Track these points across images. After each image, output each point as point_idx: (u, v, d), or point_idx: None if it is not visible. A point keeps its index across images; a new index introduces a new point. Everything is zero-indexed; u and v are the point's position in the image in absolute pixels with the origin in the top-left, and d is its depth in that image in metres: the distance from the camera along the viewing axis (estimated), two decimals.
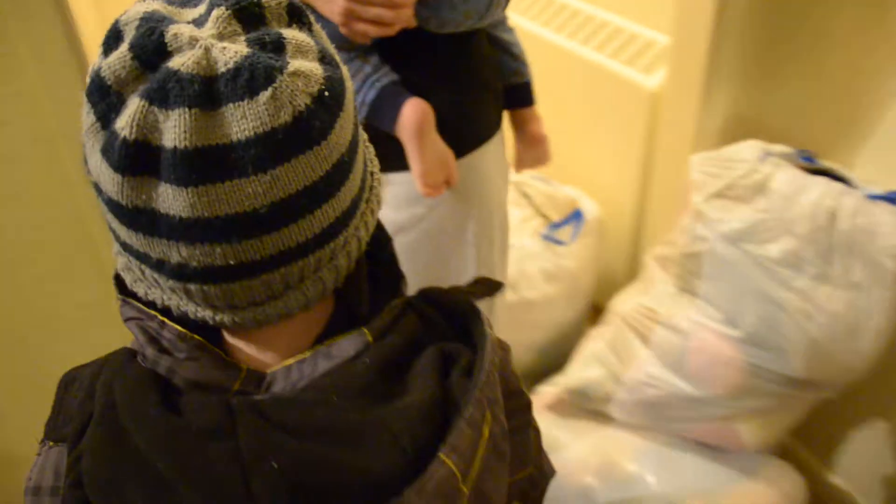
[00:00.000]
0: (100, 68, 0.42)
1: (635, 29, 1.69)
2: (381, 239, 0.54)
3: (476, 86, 1.08)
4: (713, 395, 1.27)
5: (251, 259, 0.43)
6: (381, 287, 0.53)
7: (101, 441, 0.46)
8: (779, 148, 1.30)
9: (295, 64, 0.42)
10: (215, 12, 0.42)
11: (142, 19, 0.42)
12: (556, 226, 1.62)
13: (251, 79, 0.41)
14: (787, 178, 1.23)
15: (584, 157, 1.84)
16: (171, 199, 0.41)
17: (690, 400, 1.29)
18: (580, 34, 1.77)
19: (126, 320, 0.50)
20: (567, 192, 1.72)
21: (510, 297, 1.57)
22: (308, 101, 0.42)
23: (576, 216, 1.63)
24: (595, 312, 1.94)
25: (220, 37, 0.42)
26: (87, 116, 0.43)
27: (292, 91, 0.41)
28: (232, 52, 0.41)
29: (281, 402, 0.46)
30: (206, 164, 0.40)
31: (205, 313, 0.46)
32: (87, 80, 0.43)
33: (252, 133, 0.40)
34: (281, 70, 0.41)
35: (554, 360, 1.68)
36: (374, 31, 0.91)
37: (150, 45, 0.41)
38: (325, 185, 0.44)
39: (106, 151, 0.41)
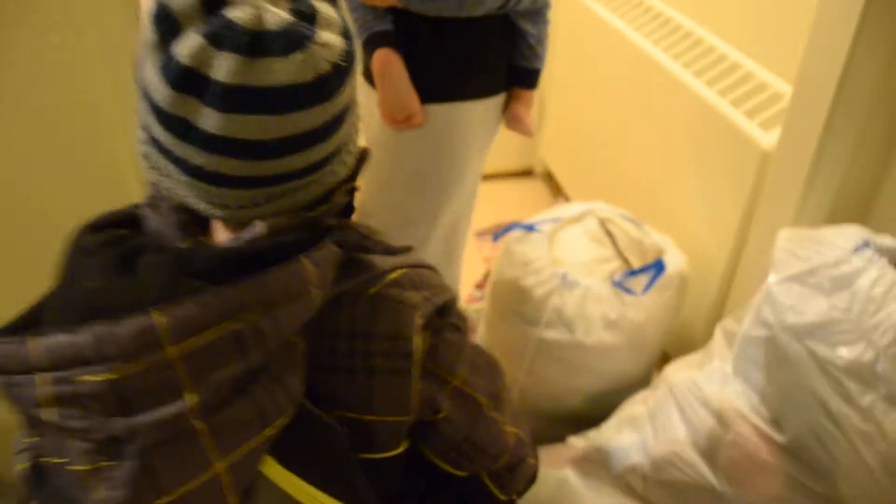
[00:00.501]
0: (168, 1, 0.52)
1: (765, 77, 1.53)
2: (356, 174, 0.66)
3: (462, 55, 1.32)
4: (739, 495, 1.14)
5: (254, 175, 0.56)
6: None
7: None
8: (883, 240, 1.13)
9: (323, 36, 0.55)
10: None
11: None
12: (632, 273, 1.51)
13: (289, 42, 0.53)
14: (879, 277, 1.07)
15: (681, 202, 1.71)
16: (206, 118, 0.53)
17: (714, 495, 1.16)
18: (698, 67, 1.63)
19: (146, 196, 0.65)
20: (655, 240, 1.60)
21: (563, 336, 1.49)
22: (328, 67, 0.55)
23: (656, 266, 1.51)
24: (665, 363, 1.81)
25: (272, 2, 0.54)
26: (147, 34, 0.53)
27: (318, 57, 0.54)
28: (278, 16, 0.53)
29: (184, 252, 0.60)
30: (241, 98, 0.52)
31: (199, 205, 0.59)
32: (154, 4, 0.53)
33: (282, 83, 0.53)
34: (311, 39, 0.54)
35: (609, 408, 1.58)
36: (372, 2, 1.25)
37: None
38: (322, 131, 0.57)
39: (163, 69, 0.53)
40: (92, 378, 0.51)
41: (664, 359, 1.80)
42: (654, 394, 1.36)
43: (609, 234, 1.61)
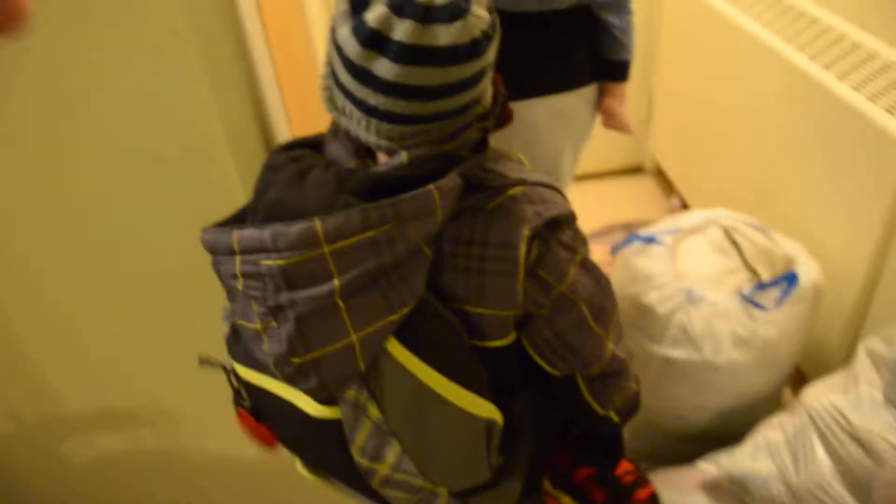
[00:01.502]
0: None
1: None
2: (488, 122, 0.80)
3: (546, 50, 1.31)
4: None
5: (416, 114, 0.72)
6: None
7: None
8: None
9: (475, 10, 0.70)
10: None
11: None
12: (762, 286, 1.43)
13: (452, 13, 0.68)
14: None
15: (814, 208, 1.60)
16: (385, 68, 0.69)
17: None
18: (827, 58, 1.51)
19: (330, 127, 0.82)
20: (786, 249, 1.50)
21: (689, 355, 1.43)
22: (478, 33, 0.70)
23: (788, 279, 1.42)
24: (797, 378, 1.71)
25: None
26: (341, 4, 0.71)
27: (472, 25, 0.69)
28: None
29: (345, 173, 0.76)
30: (414, 54, 0.68)
31: (369, 138, 0.75)
32: None
33: (446, 44, 0.68)
34: (468, 11, 0.69)
35: (737, 426, 1.51)
36: None
37: None
38: (470, 81, 0.72)
39: (355, 30, 0.69)
40: (269, 262, 0.70)
41: (797, 373, 1.70)
42: (792, 419, 1.28)
43: (734, 244, 1.53)
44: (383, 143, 0.75)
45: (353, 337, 0.73)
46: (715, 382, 1.46)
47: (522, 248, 0.77)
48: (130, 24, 0.86)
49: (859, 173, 1.44)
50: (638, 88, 2.58)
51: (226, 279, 0.76)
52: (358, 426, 0.79)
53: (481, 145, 0.81)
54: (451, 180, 0.73)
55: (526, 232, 0.77)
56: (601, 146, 2.70)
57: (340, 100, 0.76)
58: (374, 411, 0.78)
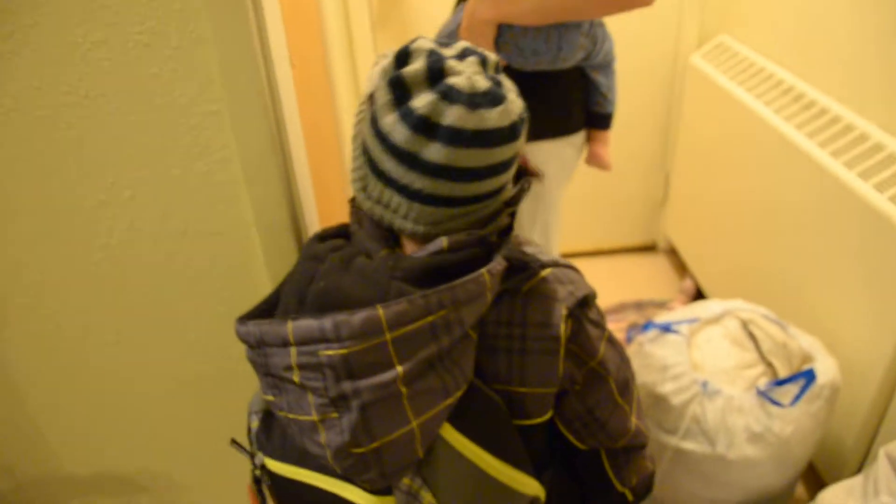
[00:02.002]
0: (401, 73, 0.73)
1: None
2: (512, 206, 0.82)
3: (545, 102, 1.49)
4: None
5: (460, 195, 0.75)
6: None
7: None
8: None
9: (510, 96, 0.75)
10: (470, 58, 0.75)
11: (430, 51, 0.75)
12: (780, 383, 1.41)
13: (494, 98, 0.73)
14: None
15: (833, 304, 1.59)
16: (435, 151, 0.72)
17: None
18: (857, 159, 1.53)
19: (352, 217, 0.85)
20: (803, 344, 1.49)
21: (702, 448, 1.40)
22: (516, 117, 0.75)
23: (806, 375, 1.40)
24: (811, 475, 1.67)
25: (475, 72, 0.74)
26: (383, 96, 0.74)
27: (510, 110, 0.74)
28: (482, 82, 0.73)
29: (389, 260, 0.76)
30: (463, 137, 0.72)
31: (405, 225, 0.78)
32: (387, 78, 0.74)
33: (491, 127, 0.72)
34: (505, 98, 0.74)
35: None
36: None
37: (437, 68, 0.73)
38: (508, 162, 0.77)
39: (404, 117, 0.72)
40: (330, 353, 0.70)
41: (810, 470, 1.67)
42: None
43: (752, 337, 1.52)
44: (420, 228, 0.78)
45: (414, 423, 0.73)
46: (727, 477, 1.43)
47: (562, 327, 0.81)
48: (168, 106, 0.87)
49: (881, 271, 1.44)
50: (656, 168, 2.61)
51: (275, 371, 0.75)
52: None
53: (509, 228, 0.83)
54: (500, 263, 0.76)
55: (564, 311, 0.81)
56: (615, 223, 2.73)
57: (378, 189, 0.78)
58: (427, 498, 0.78)
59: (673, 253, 2.70)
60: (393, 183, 0.76)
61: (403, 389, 0.72)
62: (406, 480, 0.77)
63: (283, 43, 0.94)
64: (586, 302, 0.85)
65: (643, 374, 1.48)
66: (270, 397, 0.79)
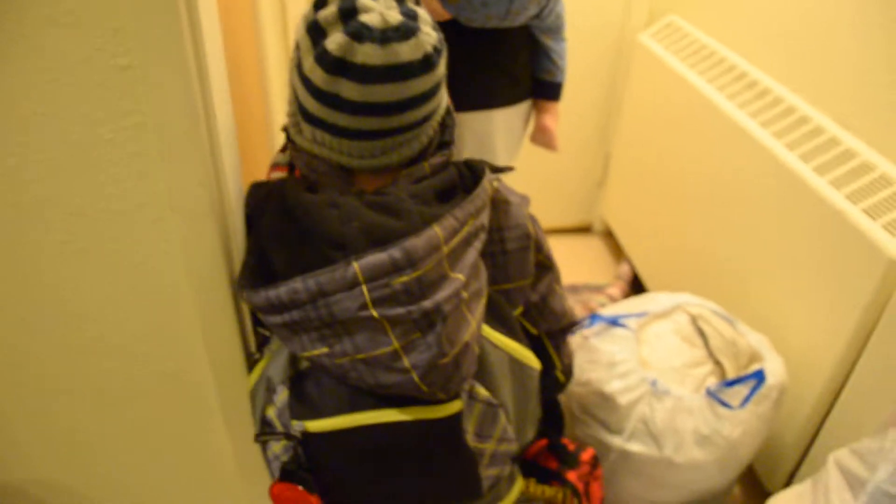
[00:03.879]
0: (316, 16, 0.76)
1: (887, 168, 1.37)
2: (449, 123, 0.89)
3: (491, 65, 1.43)
4: None
5: (384, 128, 0.79)
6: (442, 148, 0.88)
7: (272, 196, 0.83)
8: None
9: (424, 28, 0.77)
10: None
11: None
12: (729, 384, 1.35)
13: (405, 32, 0.75)
14: None
15: (784, 302, 1.55)
16: (350, 90, 0.75)
17: None
18: (813, 153, 1.48)
19: (295, 162, 0.88)
20: (752, 342, 1.44)
21: (649, 450, 1.34)
22: (430, 48, 0.77)
23: (756, 376, 1.36)
24: (749, 477, 1.65)
25: (387, 7, 0.76)
26: (304, 41, 0.78)
27: (424, 42, 0.76)
28: (394, 16, 0.75)
29: (375, 195, 0.80)
30: (376, 73, 0.74)
31: (341, 159, 0.82)
32: (306, 23, 0.78)
33: (403, 61, 0.75)
34: (418, 30, 0.76)
35: None
36: None
37: (348, 7, 0.75)
38: (428, 94, 0.79)
39: (319, 59, 0.75)
40: (404, 279, 0.74)
41: (747, 469, 1.64)
42: None
43: (701, 333, 1.46)
44: (363, 162, 0.83)
45: (474, 325, 0.81)
46: (672, 479, 1.37)
47: (529, 225, 0.92)
48: (65, 57, 0.71)
49: (832, 268, 1.40)
50: (595, 146, 2.53)
51: (344, 316, 0.75)
52: (469, 413, 0.85)
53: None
54: (489, 175, 0.86)
55: (526, 211, 0.93)
56: (550, 201, 2.65)
57: (309, 130, 0.83)
58: (482, 392, 0.86)
59: (609, 236, 2.65)
60: (320, 123, 0.81)
61: (465, 294, 0.79)
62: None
63: None
64: (528, 202, 0.96)
65: (588, 371, 1.40)
66: (321, 350, 0.78)
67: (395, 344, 0.76)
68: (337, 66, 0.74)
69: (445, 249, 0.76)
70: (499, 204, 0.90)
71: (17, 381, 0.93)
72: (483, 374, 0.86)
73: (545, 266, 0.99)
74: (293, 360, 0.86)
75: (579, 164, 2.57)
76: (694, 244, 1.95)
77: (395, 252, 0.73)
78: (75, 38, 0.70)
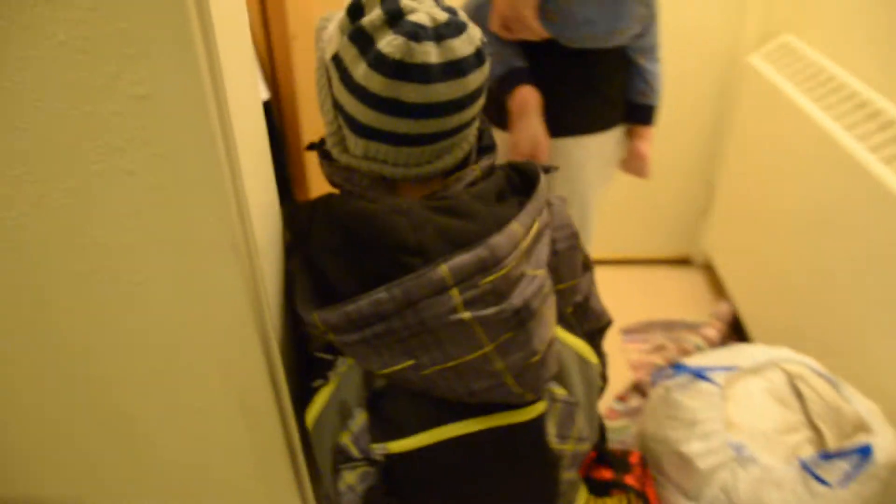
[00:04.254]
0: (360, 23, 0.75)
1: None
2: (486, 127, 0.90)
3: (585, 89, 1.32)
4: None
5: (441, 130, 0.78)
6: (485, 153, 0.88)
7: (319, 213, 0.80)
8: None
9: (469, 24, 0.77)
10: None
11: None
12: (828, 456, 1.19)
13: (456, 27, 0.75)
14: None
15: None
16: (411, 92, 0.74)
17: None
18: None
19: (332, 179, 0.86)
20: (859, 410, 1.26)
21: None
22: (479, 42, 0.78)
23: (862, 452, 1.18)
24: None
25: (431, 6, 0.76)
26: (348, 51, 0.75)
27: (472, 36, 0.77)
28: (441, 13, 0.75)
29: (434, 200, 0.77)
30: (435, 72, 0.74)
31: (395, 172, 0.80)
32: (347, 32, 0.76)
33: (459, 55, 0.75)
34: (466, 24, 0.77)
35: None
36: (512, 37, 1.24)
37: (394, 9, 0.74)
38: (481, 89, 0.79)
39: (375, 65, 0.73)
40: (491, 278, 0.71)
41: None
42: None
43: (798, 395, 1.30)
44: (401, 171, 0.81)
45: (553, 322, 0.80)
46: None
47: (573, 223, 0.91)
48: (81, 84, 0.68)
49: None
50: (698, 175, 2.37)
51: (435, 322, 0.71)
52: (551, 414, 0.83)
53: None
54: (545, 176, 0.84)
55: (568, 210, 0.92)
56: (648, 231, 2.49)
57: (361, 144, 0.80)
58: (559, 391, 0.84)
59: (709, 270, 2.46)
60: (377, 134, 0.78)
61: (546, 291, 0.77)
62: None
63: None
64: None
65: (666, 428, 1.27)
66: (405, 363, 0.74)
67: (488, 346, 0.72)
68: (397, 68, 0.72)
69: (524, 245, 0.75)
70: (548, 206, 0.89)
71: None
72: (560, 373, 0.85)
73: (587, 266, 0.98)
74: (367, 379, 0.81)
75: (681, 192, 2.41)
76: (801, 287, 1.76)
77: (481, 251, 0.71)
78: (91, 65, 0.67)
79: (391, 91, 0.73)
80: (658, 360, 2.03)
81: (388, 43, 0.72)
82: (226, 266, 0.77)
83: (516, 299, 0.72)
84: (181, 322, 0.81)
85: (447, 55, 0.74)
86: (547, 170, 0.88)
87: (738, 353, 1.37)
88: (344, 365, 0.83)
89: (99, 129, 0.70)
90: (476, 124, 0.83)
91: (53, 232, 0.77)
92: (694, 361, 1.38)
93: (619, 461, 1.15)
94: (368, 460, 0.79)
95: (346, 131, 0.80)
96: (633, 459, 1.16)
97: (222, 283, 0.78)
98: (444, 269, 0.70)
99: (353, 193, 0.83)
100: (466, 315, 0.71)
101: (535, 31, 1.20)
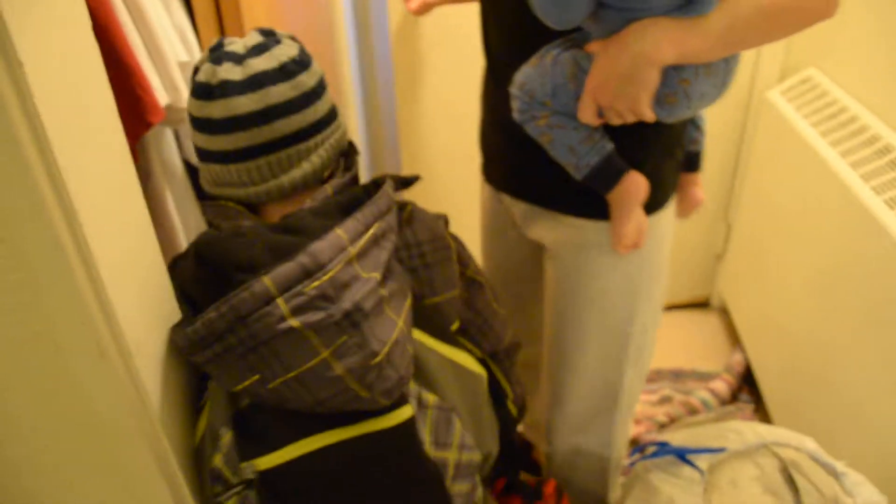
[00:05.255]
0: (195, 65, 0.87)
1: None
2: (352, 156, 0.94)
3: (672, 157, 1.15)
4: None
5: (252, 143, 0.83)
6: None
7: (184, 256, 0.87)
8: None
9: (285, 43, 0.87)
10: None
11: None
12: None
13: (260, 48, 0.84)
14: None
15: None
16: (216, 109, 0.82)
17: None
18: None
19: (208, 219, 0.91)
20: (865, 500, 1.13)
21: None
22: (285, 59, 0.84)
23: None
24: None
25: (252, 39, 0.86)
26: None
27: (279, 54, 0.84)
28: (255, 39, 0.86)
29: (278, 221, 0.81)
30: (234, 87, 0.81)
31: (239, 193, 0.86)
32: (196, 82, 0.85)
33: (258, 70, 0.82)
34: (273, 46, 0.85)
35: None
36: (600, 122, 1.02)
37: (216, 44, 0.86)
38: (288, 104, 0.84)
39: (193, 92, 0.84)
40: (316, 283, 0.72)
41: None
42: None
43: (792, 484, 1.17)
44: (251, 190, 0.86)
45: (400, 323, 0.79)
46: None
47: (448, 237, 0.94)
48: None
49: None
50: (716, 215, 2.24)
51: (266, 334, 0.72)
52: (422, 420, 0.83)
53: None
54: (388, 180, 0.87)
55: (443, 225, 0.95)
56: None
57: (205, 170, 0.88)
58: (430, 397, 0.85)
59: (725, 313, 2.32)
60: (208, 155, 0.85)
61: (384, 292, 0.78)
62: (412, 385, 0.83)
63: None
64: (447, 222, 0.99)
65: None
66: (252, 378, 0.74)
67: (324, 352, 0.73)
68: (203, 90, 0.82)
69: (353, 250, 0.76)
70: (414, 220, 0.91)
71: None
72: (426, 378, 0.85)
73: (476, 282, 0.99)
74: (232, 398, 0.81)
75: (698, 233, 2.28)
76: (816, 342, 1.62)
77: (302, 258, 0.72)
78: None
79: (203, 111, 0.82)
80: (660, 415, 1.91)
81: (202, 71, 0.83)
82: (95, 371, 0.69)
83: (346, 302, 0.73)
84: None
85: (246, 71, 0.81)
86: (407, 182, 0.93)
87: (727, 433, 1.25)
88: (212, 386, 0.85)
89: None
90: (315, 143, 0.87)
91: None
92: (680, 439, 1.26)
93: (529, 489, 1.15)
94: (244, 483, 0.77)
95: (200, 161, 0.89)
96: (549, 489, 1.15)
97: (91, 389, 0.71)
98: (266, 280, 0.71)
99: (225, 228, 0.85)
100: (296, 322, 0.71)
101: (645, 116, 0.98)
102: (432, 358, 0.87)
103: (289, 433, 0.78)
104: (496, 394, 1.01)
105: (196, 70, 0.84)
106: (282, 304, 0.71)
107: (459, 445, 0.87)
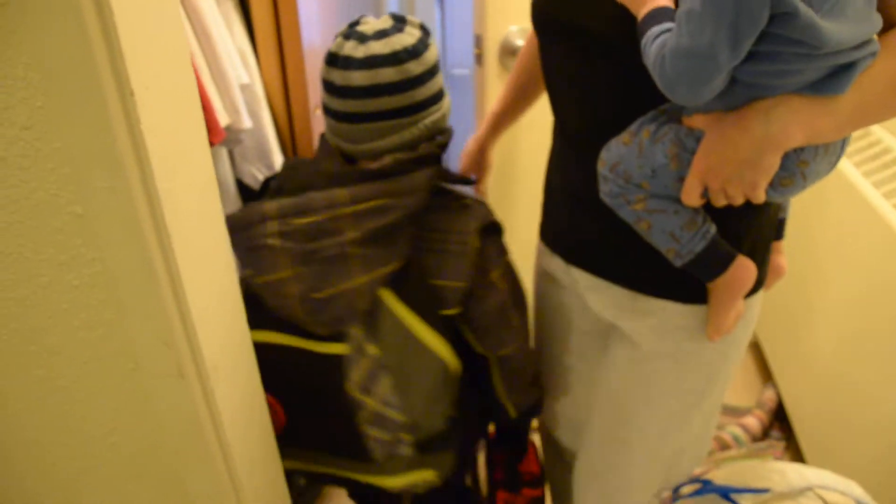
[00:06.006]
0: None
1: None
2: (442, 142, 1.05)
3: (772, 233, 1.07)
4: None
5: (359, 111, 0.98)
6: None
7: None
8: None
9: (408, 30, 1.01)
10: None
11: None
12: None
13: (381, 33, 0.98)
14: None
15: None
16: (339, 77, 0.97)
17: None
18: None
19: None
20: None
21: None
22: (399, 47, 0.98)
23: None
24: None
25: (384, 22, 1.01)
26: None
27: (395, 42, 0.98)
28: (384, 23, 1.01)
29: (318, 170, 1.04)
30: (358, 63, 0.96)
31: (344, 146, 1.03)
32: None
33: (373, 53, 0.96)
34: (398, 32, 0.99)
35: None
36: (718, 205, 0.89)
37: (354, 21, 1.01)
38: (392, 85, 0.97)
39: (325, 58, 1.00)
40: (302, 220, 0.94)
41: None
42: None
43: None
44: (350, 146, 1.01)
45: (363, 279, 0.94)
46: None
47: (472, 236, 1.00)
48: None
49: None
50: None
51: (257, 241, 0.96)
52: (355, 363, 0.97)
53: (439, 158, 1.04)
54: (425, 172, 0.98)
55: (475, 225, 1.01)
56: None
57: (326, 121, 1.04)
58: (372, 349, 0.97)
59: (758, 349, 2.31)
60: (326, 110, 1.02)
61: (354, 251, 0.93)
62: (355, 329, 0.96)
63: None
64: (494, 228, 1.05)
65: None
66: (249, 271, 0.97)
67: (284, 273, 0.95)
68: (330, 58, 0.98)
69: (348, 210, 0.93)
70: (456, 212, 1.02)
71: None
72: (376, 334, 0.97)
73: (493, 286, 1.05)
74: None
75: None
76: (849, 379, 1.61)
77: (299, 198, 0.95)
78: (31, 181, 0.62)
79: (328, 75, 0.98)
80: None
81: (335, 42, 0.98)
82: (172, 391, 0.70)
83: (313, 244, 0.93)
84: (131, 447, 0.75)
85: (365, 52, 0.95)
86: (464, 181, 1.08)
87: (771, 473, 1.23)
88: None
89: (43, 243, 0.65)
90: (410, 121, 0.99)
91: (7, 338, 0.72)
92: (723, 477, 1.25)
93: (515, 477, 1.27)
94: None
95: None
96: (528, 492, 1.25)
97: (169, 407, 0.72)
98: (269, 205, 0.96)
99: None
100: (275, 242, 0.95)
101: (758, 200, 0.88)
102: (391, 321, 0.98)
103: (253, 319, 0.90)
104: (486, 387, 1.12)
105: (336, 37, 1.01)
106: (273, 226, 0.95)
107: (383, 400, 0.99)
